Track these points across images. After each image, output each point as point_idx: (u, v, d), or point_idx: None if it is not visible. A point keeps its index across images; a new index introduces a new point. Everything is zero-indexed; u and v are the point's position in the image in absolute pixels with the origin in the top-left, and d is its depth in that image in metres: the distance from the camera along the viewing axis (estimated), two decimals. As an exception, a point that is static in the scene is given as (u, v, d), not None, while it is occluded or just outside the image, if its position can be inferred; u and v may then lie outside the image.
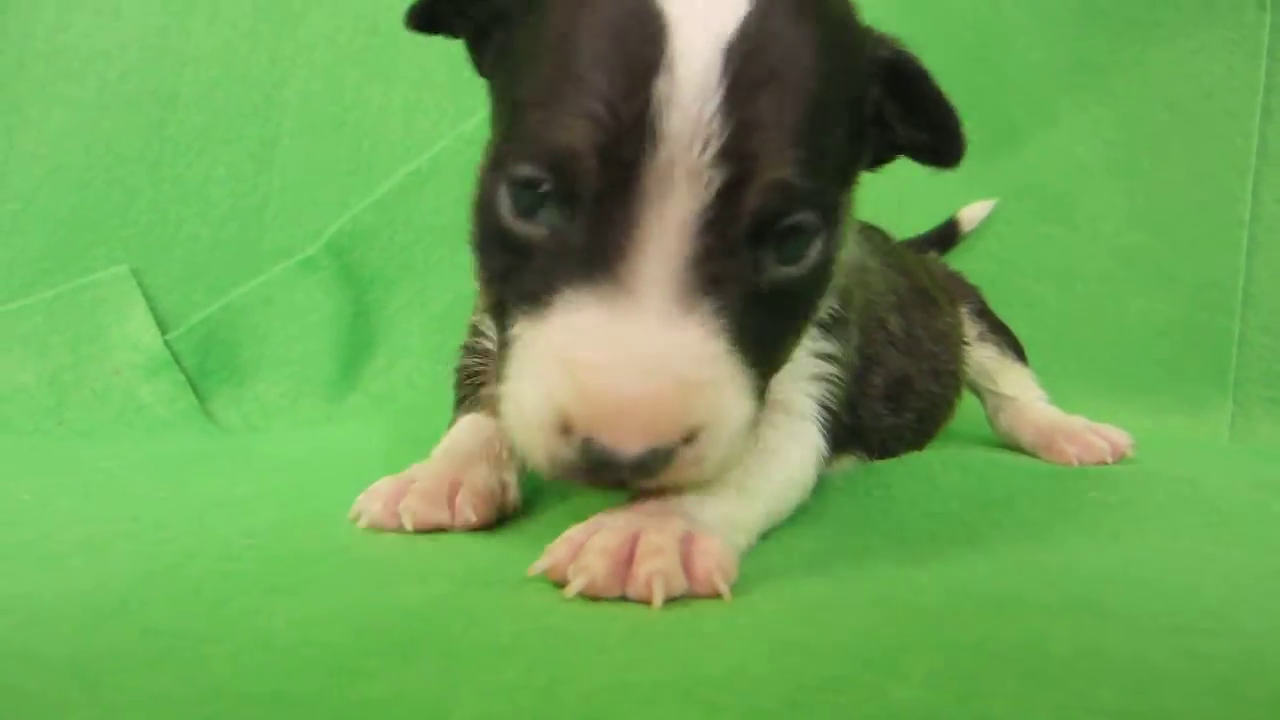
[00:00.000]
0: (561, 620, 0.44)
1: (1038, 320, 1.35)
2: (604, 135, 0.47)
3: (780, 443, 0.65)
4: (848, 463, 0.89)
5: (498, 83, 0.60)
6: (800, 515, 0.70)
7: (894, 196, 1.40)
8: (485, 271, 0.56)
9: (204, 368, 1.36)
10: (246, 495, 0.78)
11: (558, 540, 0.51)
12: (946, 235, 1.38)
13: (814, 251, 0.52)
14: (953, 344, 1.05)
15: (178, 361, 1.34)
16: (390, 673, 0.38)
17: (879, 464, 0.89)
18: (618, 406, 0.47)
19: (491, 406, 0.66)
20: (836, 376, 0.72)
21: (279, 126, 1.39)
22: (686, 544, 0.49)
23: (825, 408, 0.71)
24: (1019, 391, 1.10)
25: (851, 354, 0.76)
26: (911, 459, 0.89)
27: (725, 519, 0.54)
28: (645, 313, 0.47)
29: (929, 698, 0.36)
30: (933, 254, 1.29)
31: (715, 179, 0.47)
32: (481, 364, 0.74)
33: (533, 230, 0.51)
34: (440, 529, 0.60)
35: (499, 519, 0.64)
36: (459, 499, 0.61)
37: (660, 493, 0.53)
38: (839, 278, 0.64)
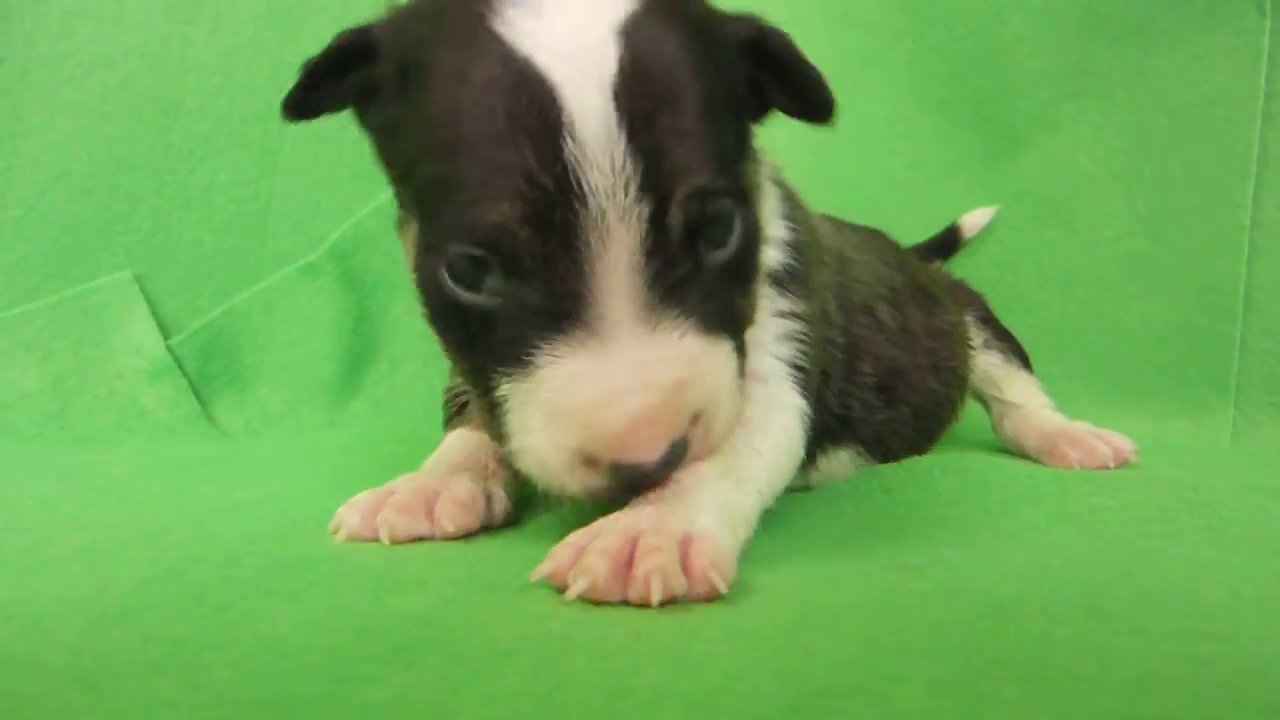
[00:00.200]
0: (563, 626, 0.45)
1: (1039, 326, 1.36)
2: (532, 209, 0.51)
3: (761, 415, 0.67)
4: (844, 456, 0.89)
5: (392, 158, 0.62)
6: (802, 521, 0.71)
7: (895, 203, 1.41)
8: (449, 344, 0.60)
9: (206, 373, 1.36)
10: (248, 500, 0.78)
11: (559, 545, 0.51)
12: (948, 242, 1.39)
13: (738, 226, 0.57)
14: (954, 342, 1.05)
15: (180, 366, 1.35)
16: (392, 678, 0.38)
17: (880, 468, 0.89)
18: (629, 428, 0.51)
19: (477, 421, 0.67)
20: (803, 333, 0.73)
21: (281, 133, 1.40)
22: (684, 545, 0.49)
23: (798, 367, 0.72)
24: (1025, 399, 1.11)
25: (815, 308, 0.77)
26: (912, 463, 0.89)
27: (723, 517, 0.55)
28: (620, 345, 0.52)
29: (931, 703, 0.36)
30: (936, 263, 1.30)
31: (643, 211, 0.52)
32: (466, 387, 0.75)
33: (484, 300, 0.54)
34: (419, 540, 0.61)
35: (483, 528, 0.64)
36: (437, 509, 0.62)
37: (658, 493, 0.55)
38: (780, 229, 0.72)
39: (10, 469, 1.00)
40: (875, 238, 1.11)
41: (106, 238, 1.38)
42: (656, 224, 0.52)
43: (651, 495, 0.55)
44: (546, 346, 0.52)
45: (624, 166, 0.51)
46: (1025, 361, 1.16)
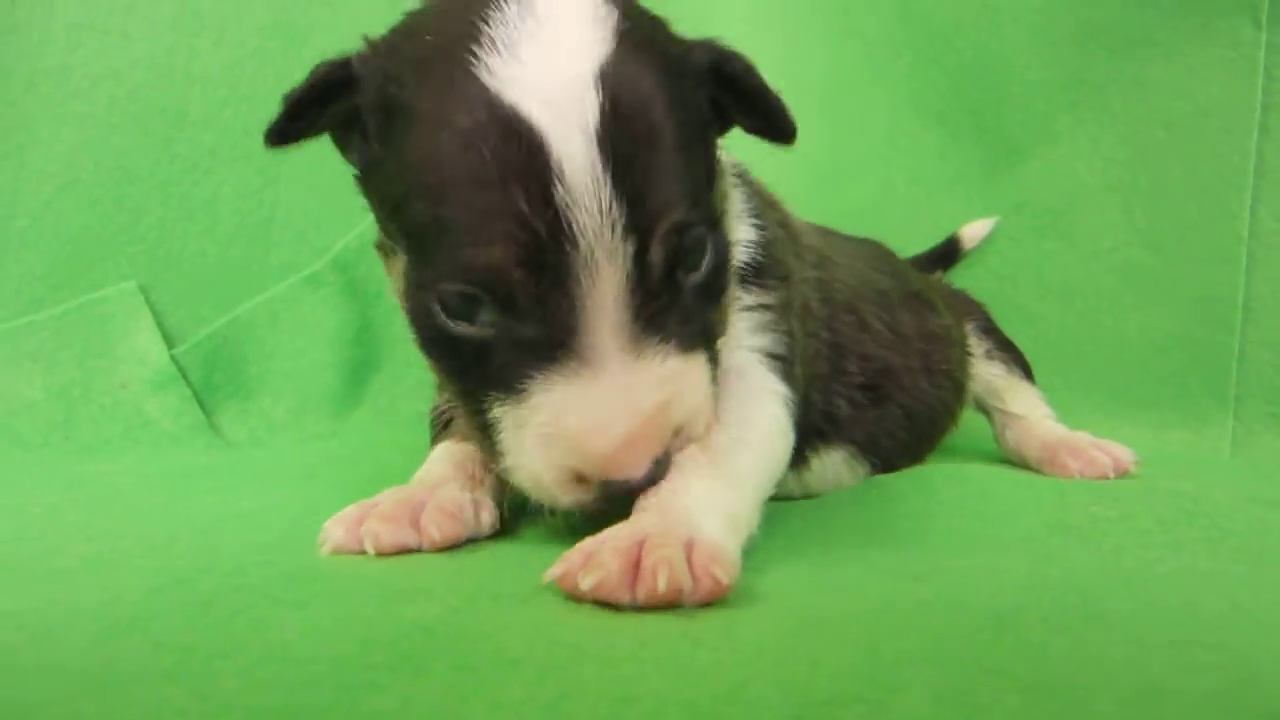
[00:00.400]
0: (569, 634, 0.45)
1: (1039, 337, 1.36)
2: (525, 251, 0.53)
3: (741, 407, 0.68)
4: (837, 457, 0.89)
5: (378, 195, 0.63)
6: (804, 530, 0.71)
7: (895, 214, 1.42)
8: (442, 371, 0.63)
9: (210, 383, 1.37)
10: (253, 510, 0.79)
11: (571, 550, 0.52)
12: (948, 253, 1.39)
13: (709, 250, 0.60)
14: (948, 346, 1.06)
15: (184, 376, 1.35)
16: (399, 686, 0.38)
17: (880, 478, 0.89)
18: (617, 449, 0.55)
19: (463, 433, 0.68)
20: (775, 322, 0.74)
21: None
22: (689, 548, 0.51)
23: (776, 356, 0.73)
24: (1027, 410, 1.11)
25: (789, 298, 0.78)
26: (913, 473, 0.89)
27: (724, 523, 0.56)
28: (608, 373, 0.55)
29: (932, 712, 0.36)
30: (937, 274, 1.30)
31: (628, 249, 0.55)
32: (452, 404, 0.75)
33: (477, 331, 0.57)
34: (406, 550, 0.61)
35: (470, 539, 0.65)
36: (424, 518, 0.62)
37: (660, 508, 0.56)
38: (745, 229, 0.74)
39: (16, 478, 1.01)
40: (868, 246, 1.12)
41: (112, 248, 1.39)
42: (639, 260, 0.55)
43: (653, 509, 0.56)
44: (540, 375, 0.56)
45: (610, 209, 0.53)
46: (1027, 372, 1.16)
